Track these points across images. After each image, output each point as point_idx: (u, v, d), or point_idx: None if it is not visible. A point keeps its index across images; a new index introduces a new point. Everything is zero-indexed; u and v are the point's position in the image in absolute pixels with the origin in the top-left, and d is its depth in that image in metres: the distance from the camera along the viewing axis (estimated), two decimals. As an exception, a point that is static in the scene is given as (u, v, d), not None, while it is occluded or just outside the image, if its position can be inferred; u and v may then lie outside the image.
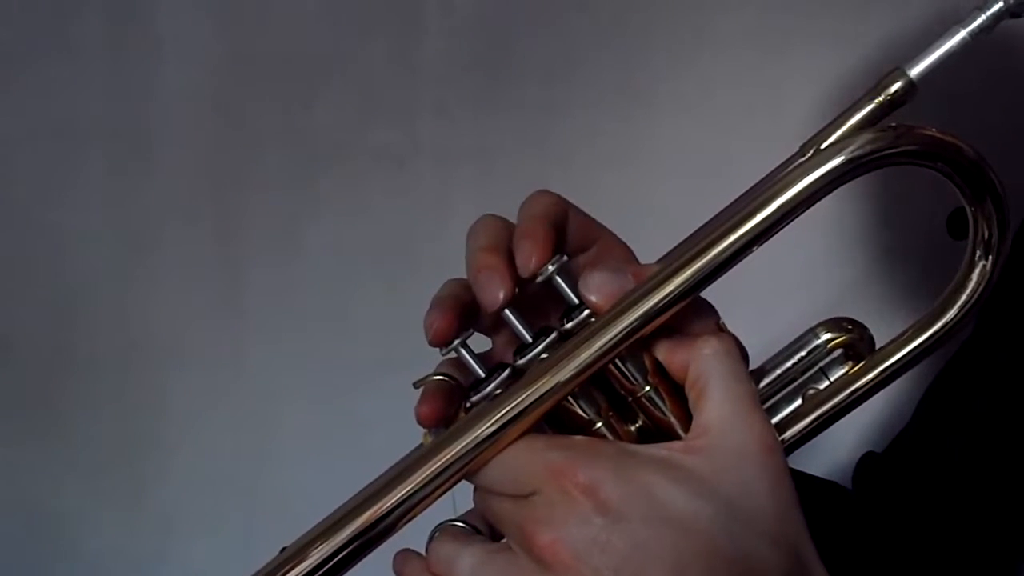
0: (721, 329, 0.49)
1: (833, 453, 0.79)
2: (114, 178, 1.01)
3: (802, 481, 0.45)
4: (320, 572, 0.46)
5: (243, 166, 1.02)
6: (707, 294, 0.48)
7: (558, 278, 0.47)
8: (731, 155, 0.97)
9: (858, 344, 0.52)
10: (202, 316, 1.04)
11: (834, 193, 0.46)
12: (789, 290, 0.96)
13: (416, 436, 0.48)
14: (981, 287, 0.48)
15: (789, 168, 0.46)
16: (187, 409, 1.05)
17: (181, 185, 1.02)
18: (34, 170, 1.01)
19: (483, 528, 0.48)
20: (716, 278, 0.46)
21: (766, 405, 0.51)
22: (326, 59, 1.00)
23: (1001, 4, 0.45)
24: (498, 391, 0.46)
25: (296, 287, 1.03)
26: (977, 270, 0.48)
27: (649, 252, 0.51)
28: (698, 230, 0.48)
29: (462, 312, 0.48)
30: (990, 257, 0.47)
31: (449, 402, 0.47)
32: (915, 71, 0.46)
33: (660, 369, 0.47)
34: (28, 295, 1.03)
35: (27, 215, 1.01)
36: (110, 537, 1.06)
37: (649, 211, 0.94)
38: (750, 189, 0.48)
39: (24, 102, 0.99)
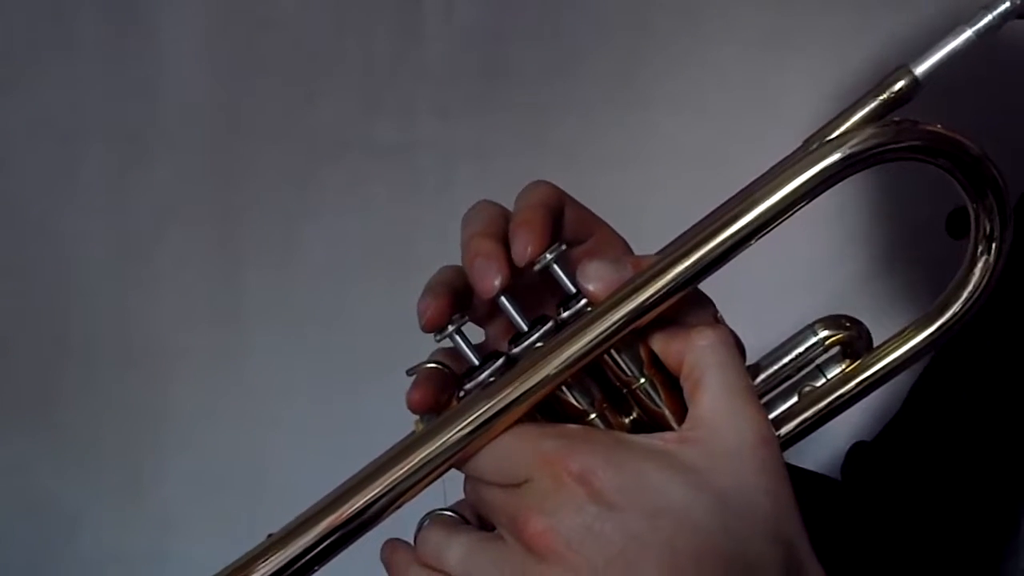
0: (718, 321, 0.48)
1: (829, 446, 0.79)
2: (114, 178, 1.01)
3: (793, 474, 0.44)
4: (306, 559, 0.45)
5: (243, 165, 1.02)
6: (708, 290, 0.47)
7: (556, 267, 0.47)
8: (730, 155, 0.96)
9: (856, 342, 0.51)
10: (202, 316, 1.04)
11: (835, 189, 0.45)
12: (789, 287, 0.96)
13: (416, 434, 0.47)
14: (985, 281, 0.48)
15: (791, 162, 0.46)
16: (187, 409, 1.05)
17: (181, 184, 1.01)
18: (34, 170, 1.01)
19: (472, 520, 0.47)
20: (714, 270, 0.46)
21: (762, 401, 0.50)
22: (326, 58, 1.00)
23: (1008, 4, 0.44)
24: (492, 379, 0.45)
25: (296, 286, 1.03)
26: (980, 265, 0.48)
27: (647, 251, 0.51)
28: (698, 222, 0.48)
29: (455, 298, 0.47)
30: (992, 250, 0.47)
31: (441, 389, 0.47)
32: (920, 69, 0.45)
33: (656, 360, 0.47)
34: (28, 295, 1.02)
35: (27, 215, 1.01)
36: (110, 537, 1.05)
37: (648, 211, 0.93)
38: (751, 183, 0.47)
39: (24, 102, 0.99)
